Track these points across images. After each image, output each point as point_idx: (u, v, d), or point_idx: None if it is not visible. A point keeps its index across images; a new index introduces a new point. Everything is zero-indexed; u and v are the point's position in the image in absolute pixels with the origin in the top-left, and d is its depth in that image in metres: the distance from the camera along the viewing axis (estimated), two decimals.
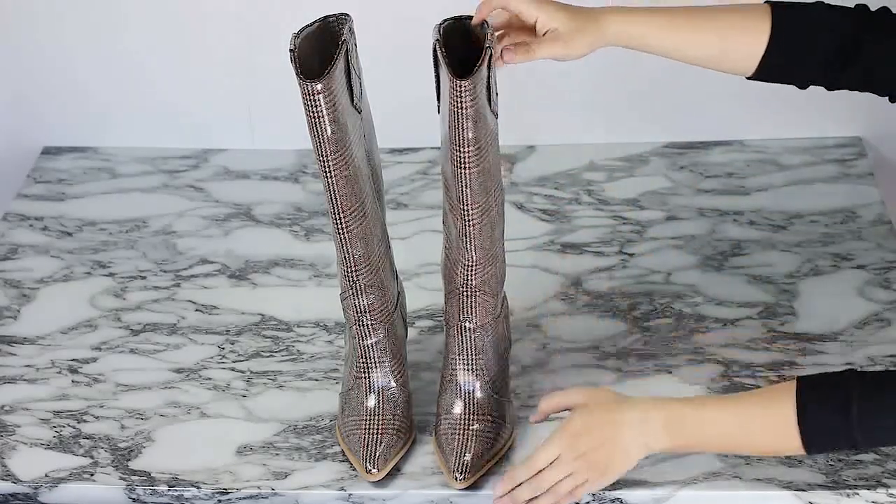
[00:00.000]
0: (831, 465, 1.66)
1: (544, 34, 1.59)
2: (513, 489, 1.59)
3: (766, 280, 1.96)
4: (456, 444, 1.65)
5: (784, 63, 1.61)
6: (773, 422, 1.52)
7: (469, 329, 1.67)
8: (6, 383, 1.86)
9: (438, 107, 1.62)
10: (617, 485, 1.65)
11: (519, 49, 1.59)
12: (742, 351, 1.84)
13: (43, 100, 2.29)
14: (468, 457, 1.64)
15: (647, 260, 2.02)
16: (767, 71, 1.62)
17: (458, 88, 1.52)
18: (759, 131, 2.25)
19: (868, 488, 1.63)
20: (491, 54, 1.56)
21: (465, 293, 1.66)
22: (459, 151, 1.56)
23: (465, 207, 1.60)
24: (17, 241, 2.13)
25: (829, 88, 1.63)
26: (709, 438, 1.55)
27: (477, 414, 1.67)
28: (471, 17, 1.61)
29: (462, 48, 1.60)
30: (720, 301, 1.93)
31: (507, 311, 1.75)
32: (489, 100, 1.57)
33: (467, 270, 1.64)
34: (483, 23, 1.59)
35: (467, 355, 1.68)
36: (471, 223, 1.61)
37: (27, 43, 2.24)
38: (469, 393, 1.68)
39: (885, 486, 1.63)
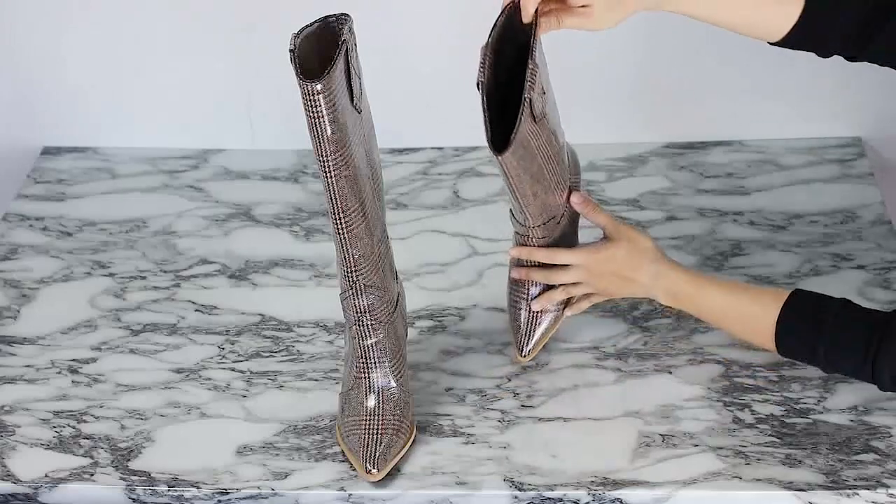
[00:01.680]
0: (831, 465, 1.66)
1: (578, 6, 1.61)
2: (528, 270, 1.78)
3: (766, 280, 1.96)
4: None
5: (813, 33, 1.63)
6: (757, 318, 1.66)
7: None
8: (6, 383, 1.86)
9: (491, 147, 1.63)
10: (617, 485, 1.65)
11: (548, 18, 1.62)
12: (742, 351, 1.84)
13: (43, 100, 2.29)
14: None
15: None
16: (795, 39, 1.64)
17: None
18: (759, 131, 2.25)
19: (868, 488, 1.63)
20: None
21: None
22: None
23: None
24: (17, 242, 2.13)
25: (851, 60, 1.65)
26: (701, 312, 1.72)
27: None
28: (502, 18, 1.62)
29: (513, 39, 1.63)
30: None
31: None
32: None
33: None
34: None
35: None
36: None
37: (27, 43, 2.24)
38: None
39: (885, 486, 1.63)
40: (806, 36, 1.63)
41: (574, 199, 1.75)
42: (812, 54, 1.67)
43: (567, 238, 1.78)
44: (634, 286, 1.75)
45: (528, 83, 1.59)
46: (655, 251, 1.74)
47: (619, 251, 1.74)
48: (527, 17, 1.61)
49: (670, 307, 1.76)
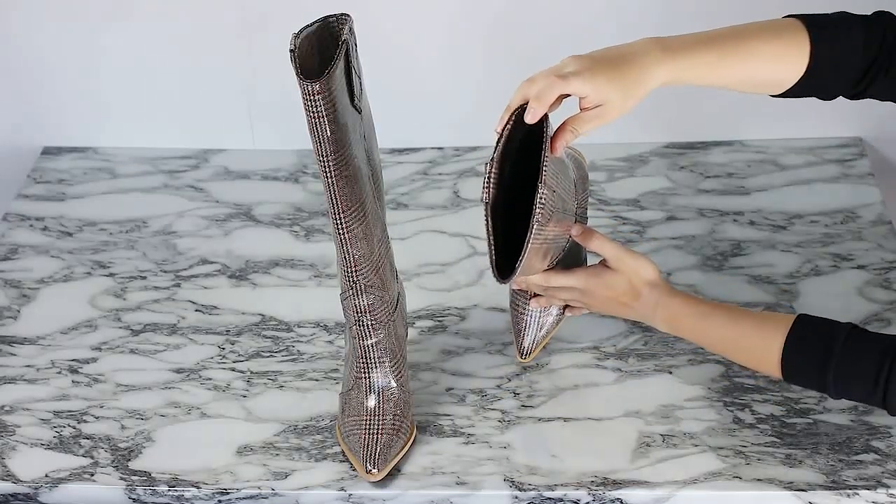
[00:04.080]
0: (831, 465, 1.66)
1: (592, 107, 1.57)
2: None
3: (767, 280, 1.96)
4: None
5: (818, 84, 1.62)
6: (761, 347, 1.61)
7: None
8: (6, 383, 1.86)
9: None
10: (617, 485, 1.65)
11: (565, 133, 1.58)
12: None
13: (43, 100, 2.29)
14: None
15: None
16: (800, 91, 1.63)
17: None
18: (759, 131, 2.25)
19: (868, 488, 1.63)
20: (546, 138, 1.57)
21: None
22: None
23: None
24: (17, 242, 2.13)
25: (853, 99, 1.64)
26: (702, 342, 1.68)
27: None
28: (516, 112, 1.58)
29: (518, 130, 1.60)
30: (720, 301, 1.93)
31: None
32: None
33: None
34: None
35: None
36: None
37: (27, 43, 2.24)
38: None
39: (885, 486, 1.63)
40: (812, 86, 1.62)
41: (574, 232, 1.70)
42: None
43: (573, 255, 1.74)
44: (631, 312, 1.70)
45: (538, 209, 1.54)
46: (657, 281, 1.69)
47: (618, 280, 1.69)
48: (533, 119, 1.55)
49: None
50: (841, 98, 1.69)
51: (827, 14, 1.62)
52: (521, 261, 1.56)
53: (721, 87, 1.62)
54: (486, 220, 1.57)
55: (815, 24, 1.60)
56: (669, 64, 1.58)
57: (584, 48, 1.71)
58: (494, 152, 1.57)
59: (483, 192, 1.57)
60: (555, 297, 1.74)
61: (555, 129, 1.58)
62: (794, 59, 1.60)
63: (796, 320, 1.60)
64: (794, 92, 1.63)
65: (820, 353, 1.57)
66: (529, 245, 1.55)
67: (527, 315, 1.77)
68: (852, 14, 1.62)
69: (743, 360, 1.65)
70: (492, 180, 1.56)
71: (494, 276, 1.57)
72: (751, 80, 1.62)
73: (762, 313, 1.67)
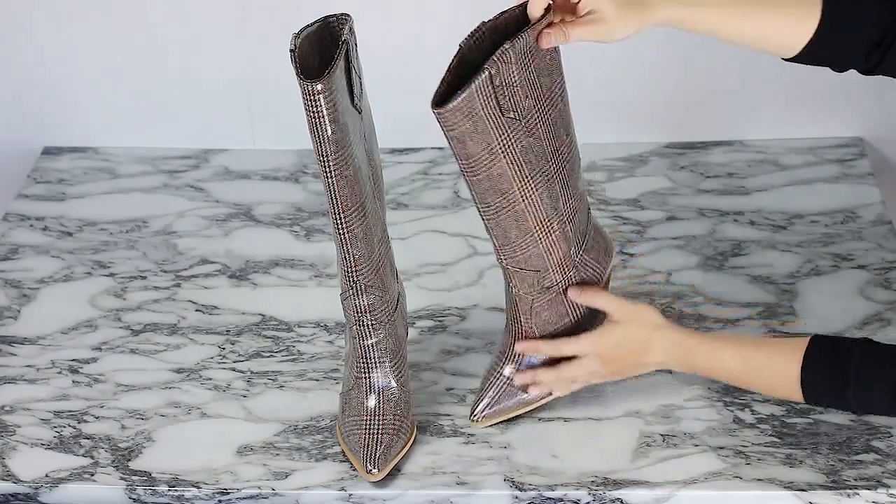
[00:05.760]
0: (831, 465, 1.66)
1: (584, 15, 1.56)
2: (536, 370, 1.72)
3: (767, 280, 1.96)
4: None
5: (829, 49, 1.60)
6: (778, 374, 1.61)
7: None
8: (6, 383, 1.86)
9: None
10: (617, 485, 1.65)
11: (555, 30, 1.56)
12: None
13: (43, 100, 2.29)
14: None
15: (648, 260, 2.02)
16: (810, 56, 1.60)
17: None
18: (759, 131, 2.25)
19: (868, 488, 1.63)
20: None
21: None
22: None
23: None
24: (17, 242, 2.13)
25: (867, 73, 1.62)
26: (719, 376, 1.67)
27: None
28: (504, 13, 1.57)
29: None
30: (720, 301, 1.93)
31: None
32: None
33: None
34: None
35: None
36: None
37: (27, 43, 2.24)
38: None
39: (886, 486, 1.63)
40: (822, 51, 1.59)
41: (570, 293, 1.69)
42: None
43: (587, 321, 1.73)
44: (649, 367, 1.69)
45: (499, 52, 1.52)
46: (663, 323, 1.67)
47: (627, 331, 1.67)
48: (537, 11, 1.55)
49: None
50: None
51: None
52: (466, 88, 1.52)
53: (727, 38, 1.59)
54: (452, 60, 1.55)
55: None
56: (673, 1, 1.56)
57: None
58: (493, 18, 1.56)
59: (465, 39, 1.56)
60: (570, 376, 1.70)
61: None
62: (803, 18, 1.58)
63: (810, 343, 1.59)
64: (804, 57, 1.60)
65: (838, 372, 1.57)
66: (479, 80, 1.52)
67: (498, 378, 1.74)
68: None
69: (761, 388, 1.65)
70: (478, 34, 1.56)
71: (431, 105, 1.54)
72: (758, 35, 1.59)
73: (774, 340, 1.67)
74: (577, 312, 1.71)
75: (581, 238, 1.70)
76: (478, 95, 1.54)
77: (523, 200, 1.62)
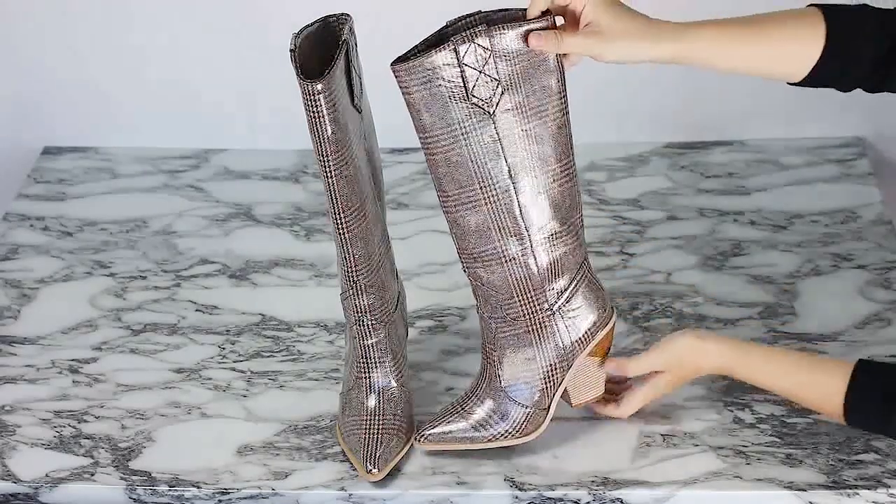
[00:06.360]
0: (832, 465, 1.66)
1: (585, 26, 1.54)
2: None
3: (767, 280, 1.96)
4: None
5: (834, 71, 1.60)
6: (824, 395, 1.61)
7: None
8: (6, 383, 1.86)
9: None
10: (617, 485, 1.65)
11: (547, 37, 1.54)
12: None
13: (43, 100, 2.29)
14: None
15: (648, 260, 2.02)
16: (816, 79, 1.60)
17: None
18: (759, 131, 2.25)
19: (868, 488, 1.63)
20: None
21: None
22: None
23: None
24: (17, 241, 2.13)
25: (871, 91, 1.63)
26: (761, 386, 1.68)
27: None
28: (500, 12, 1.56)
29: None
30: (720, 301, 1.93)
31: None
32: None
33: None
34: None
35: None
36: None
37: (27, 43, 2.24)
38: None
39: (886, 485, 1.63)
40: (827, 75, 1.60)
41: (611, 368, 1.69)
42: None
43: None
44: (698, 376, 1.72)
45: (471, 31, 1.53)
46: (693, 339, 1.68)
47: (674, 378, 1.70)
48: (535, 11, 1.53)
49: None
50: (841, 97, 1.68)
51: (846, 4, 1.61)
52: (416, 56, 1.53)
53: (731, 69, 1.58)
54: (434, 33, 1.55)
55: (832, 12, 1.59)
56: (680, 34, 1.55)
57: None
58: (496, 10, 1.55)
59: (454, 19, 1.56)
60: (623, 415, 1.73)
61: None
62: (808, 43, 1.57)
63: (856, 368, 1.59)
64: (810, 80, 1.60)
65: (884, 398, 1.57)
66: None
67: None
68: (872, 7, 1.61)
69: (804, 403, 1.66)
70: (470, 17, 1.55)
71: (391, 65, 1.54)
72: (762, 62, 1.59)
73: (818, 360, 1.66)
74: (552, 367, 1.66)
75: (557, 276, 1.62)
76: (441, 66, 1.53)
77: (486, 204, 1.58)
